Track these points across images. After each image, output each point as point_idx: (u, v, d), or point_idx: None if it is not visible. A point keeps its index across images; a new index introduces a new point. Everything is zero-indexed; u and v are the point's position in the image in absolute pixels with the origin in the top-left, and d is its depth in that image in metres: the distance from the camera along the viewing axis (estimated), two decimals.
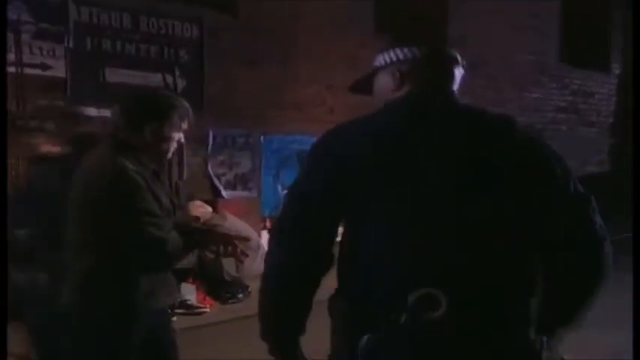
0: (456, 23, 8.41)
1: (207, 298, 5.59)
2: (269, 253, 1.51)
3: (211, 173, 6.53)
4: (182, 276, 5.32)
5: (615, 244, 1.50)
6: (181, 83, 6.26)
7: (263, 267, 1.50)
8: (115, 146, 2.14)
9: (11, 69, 5.04)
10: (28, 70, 5.20)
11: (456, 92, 1.53)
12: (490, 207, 1.33)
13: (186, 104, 2.28)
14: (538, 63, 9.97)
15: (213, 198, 6.41)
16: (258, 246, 5.95)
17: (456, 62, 1.55)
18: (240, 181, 6.76)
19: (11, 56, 5.11)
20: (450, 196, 1.33)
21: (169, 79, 6.06)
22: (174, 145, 2.22)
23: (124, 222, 2.02)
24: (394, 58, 1.56)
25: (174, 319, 5.00)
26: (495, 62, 9.09)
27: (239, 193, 6.74)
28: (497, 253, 1.33)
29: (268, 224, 6.77)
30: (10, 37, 5.14)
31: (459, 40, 7.54)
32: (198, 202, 5.87)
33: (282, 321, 1.52)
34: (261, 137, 6.80)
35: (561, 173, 1.42)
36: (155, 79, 6.03)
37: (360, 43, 7.16)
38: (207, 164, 6.50)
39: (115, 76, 5.79)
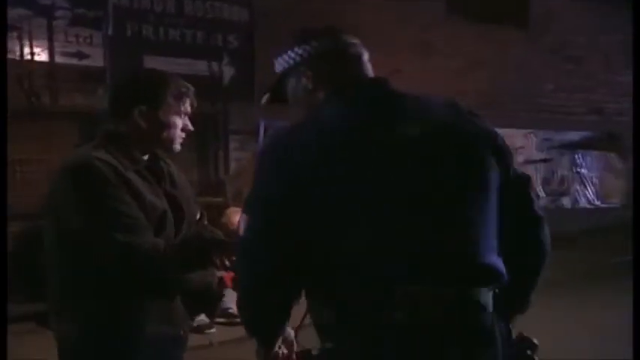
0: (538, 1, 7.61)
1: None
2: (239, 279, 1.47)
3: None
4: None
5: None
6: (229, 71, 5.82)
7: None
8: (102, 139, 1.79)
9: (42, 58, 4.71)
10: (62, 60, 4.85)
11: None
12: (451, 191, 1.36)
13: (185, 83, 1.86)
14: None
15: None
16: None
17: (361, 47, 1.53)
18: None
19: (42, 44, 4.76)
20: (409, 187, 1.34)
21: (215, 67, 5.59)
22: (178, 134, 1.82)
23: (84, 225, 1.66)
24: (296, 59, 1.51)
25: (213, 330, 4.58)
26: (581, 43, 8.23)
27: None
28: (462, 237, 1.36)
29: None
30: (43, 23, 4.81)
31: (544, 18, 6.74)
32: (237, 209, 5.51)
33: (261, 326, 1.52)
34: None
35: (509, 153, 1.48)
36: (200, 66, 5.61)
37: (429, 25, 6.54)
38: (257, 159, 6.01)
39: (156, 64, 5.38)
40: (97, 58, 5.15)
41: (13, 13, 4.74)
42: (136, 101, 1.76)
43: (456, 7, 7.21)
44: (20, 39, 4.74)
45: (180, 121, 1.80)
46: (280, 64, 1.54)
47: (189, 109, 1.83)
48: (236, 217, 5.34)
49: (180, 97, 1.80)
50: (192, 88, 1.84)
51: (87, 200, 1.65)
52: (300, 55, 1.49)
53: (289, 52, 1.51)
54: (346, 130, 1.36)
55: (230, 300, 4.95)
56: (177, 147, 1.82)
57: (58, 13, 4.95)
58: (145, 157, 1.81)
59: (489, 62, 7.90)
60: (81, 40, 5.07)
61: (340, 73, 1.48)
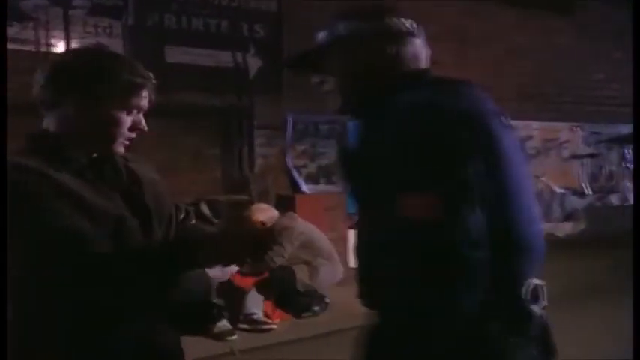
0: None
1: (277, 311, 4.84)
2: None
3: (290, 165, 5.78)
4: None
5: None
6: (255, 63, 5.54)
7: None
8: (30, 139, 1.46)
9: (59, 49, 4.49)
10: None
11: None
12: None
13: (143, 71, 1.52)
14: None
15: (292, 193, 5.66)
16: (330, 254, 5.15)
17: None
18: (323, 174, 6.01)
19: (59, 35, 4.54)
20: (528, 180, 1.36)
21: (240, 58, 5.31)
22: (122, 133, 1.47)
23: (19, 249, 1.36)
24: (394, 29, 1.41)
25: (235, 337, 4.32)
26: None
27: (322, 187, 5.99)
28: None
29: None
30: (60, 12, 4.59)
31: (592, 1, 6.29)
32: (263, 206, 5.23)
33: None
34: (349, 123, 5.93)
35: None
36: (224, 58, 5.34)
37: (466, 12, 6.15)
38: (285, 155, 5.74)
39: (177, 55, 5.14)
40: (116, 50, 4.90)
41: (29, 2, 4.55)
42: (69, 89, 1.43)
43: None
44: (36, 29, 4.53)
45: (127, 118, 1.46)
46: (328, 35, 1.44)
47: (144, 103, 1.49)
48: (260, 214, 5.07)
49: (131, 88, 1.46)
50: (151, 79, 1.50)
51: (18, 219, 1.33)
52: (358, 31, 1.41)
53: (342, 25, 1.43)
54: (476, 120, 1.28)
55: (253, 304, 4.69)
56: (120, 149, 1.49)
57: (76, 2, 4.73)
58: (92, 155, 1.48)
59: (531, 51, 7.48)
60: (100, 30, 4.84)
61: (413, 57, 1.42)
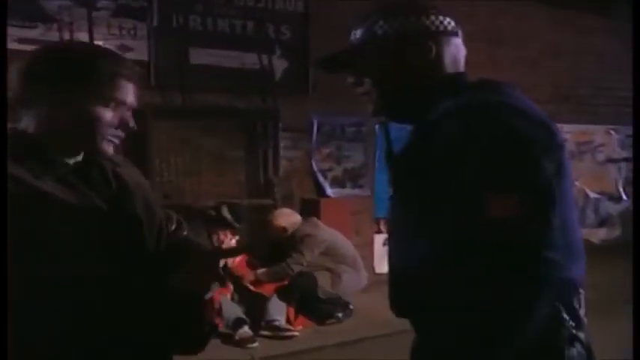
0: None
1: (300, 318, 4.75)
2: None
3: (315, 168, 5.69)
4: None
5: None
6: (281, 64, 5.45)
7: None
8: (10, 141, 1.34)
9: None
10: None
11: None
12: None
13: (128, 62, 1.41)
14: None
15: (317, 197, 5.57)
16: (354, 262, 5.04)
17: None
18: (349, 178, 5.89)
19: (83, 37, 4.51)
20: None
21: (266, 60, 5.23)
22: (105, 131, 1.36)
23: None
24: (433, 27, 1.36)
25: (256, 344, 4.24)
26: None
27: (348, 191, 5.87)
28: None
29: (383, 228, 5.86)
30: (84, 14, 4.57)
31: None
32: (286, 210, 5.15)
33: None
34: (376, 126, 5.80)
35: None
36: (250, 59, 5.26)
37: (497, 12, 5.99)
38: (310, 158, 5.65)
39: (202, 57, 5.08)
40: (141, 52, 4.87)
41: (53, 4, 4.54)
42: (41, 85, 1.31)
43: None
44: (60, 31, 4.51)
45: (108, 114, 1.34)
46: (362, 34, 1.39)
47: (128, 98, 1.37)
48: (282, 219, 4.98)
49: (108, 81, 1.33)
50: (133, 69, 1.38)
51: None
52: (433, 25, 1.35)
53: (378, 23, 1.37)
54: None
55: (276, 311, 4.61)
56: (106, 149, 1.37)
57: (101, 3, 4.70)
58: (77, 158, 1.38)
59: (566, 51, 7.28)
60: (124, 31, 4.81)
61: (452, 59, 1.38)
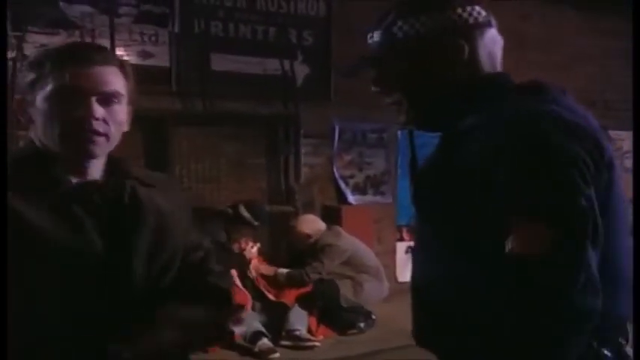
0: None
1: (321, 327, 4.68)
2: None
3: (337, 175, 5.63)
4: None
5: None
6: (303, 70, 5.41)
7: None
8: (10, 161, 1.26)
9: None
10: (124, 59, 4.58)
11: None
12: None
13: (86, 43, 1.35)
14: None
15: (338, 204, 5.50)
16: (377, 271, 4.97)
17: None
18: (371, 185, 5.82)
19: (105, 42, 4.50)
20: None
21: (288, 65, 5.19)
22: (80, 129, 1.23)
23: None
24: (461, 22, 1.17)
25: (277, 355, 4.18)
26: None
27: (370, 198, 5.80)
28: None
29: (405, 235, 5.77)
30: (106, 20, 4.57)
31: None
32: (310, 217, 5.09)
33: None
34: (399, 132, 5.73)
35: None
36: (272, 65, 5.22)
37: (524, 15, 5.88)
38: (332, 165, 5.59)
39: (224, 63, 5.06)
40: (162, 58, 4.86)
41: (75, 10, 4.54)
42: (31, 87, 1.24)
43: None
44: (82, 37, 4.51)
45: (73, 108, 1.20)
46: (380, 41, 1.21)
47: (98, 86, 1.21)
48: (306, 226, 4.88)
49: (69, 70, 1.19)
50: (107, 54, 1.27)
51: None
52: (460, 18, 1.18)
53: (396, 25, 1.19)
54: None
55: (297, 320, 4.54)
56: (88, 149, 1.23)
57: (123, 9, 4.69)
58: (93, 175, 1.27)
59: (595, 55, 7.13)
60: (145, 38, 4.79)
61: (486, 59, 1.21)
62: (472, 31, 1.19)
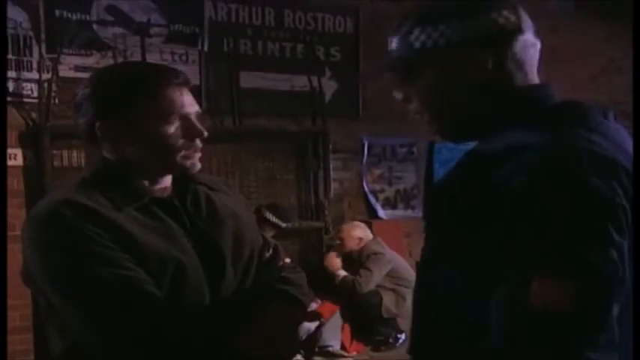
0: None
1: (354, 343, 4.66)
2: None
3: (367, 190, 5.62)
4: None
5: None
6: (331, 86, 5.42)
7: None
8: (90, 171, 1.35)
9: None
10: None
11: None
12: None
13: (165, 68, 1.37)
14: None
15: (369, 219, 5.48)
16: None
17: None
18: (401, 199, 5.80)
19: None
20: None
21: (316, 82, 5.21)
22: (176, 147, 1.29)
23: (58, 299, 1.24)
24: (483, 31, 1.07)
25: None
26: None
27: (400, 212, 5.76)
28: None
29: None
30: (137, 41, 4.66)
31: None
32: (358, 223, 5.06)
33: None
34: (437, 145, 5.70)
35: None
36: (300, 82, 5.25)
37: (553, 28, 5.82)
38: (361, 179, 5.58)
39: (252, 80, 5.11)
40: (192, 76, 4.87)
41: (108, 32, 4.64)
42: (95, 114, 1.28)
43: (586, 6, 6.43)
44: (115, 58, 4.61)
45: (172, 128, 1.25)
46: (398, 46, 1.13)
47: (188, 108, 1.28)
48: (358, 231, 4.79)
49: (165, 94, 1.25)
50: (177, 75, 1.29)
51: (51, 266, 1.22)
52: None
53: (414, 34, 1.09)
54: None
55: (330, 336, 4.53)
56: (185, 164, 1.29)
57: (154, 30, 4.78)
58: (164, 184, 1.33)
59: (624, 67, 7.03)
60: (176, 57, 4.88)
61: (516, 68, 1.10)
62: (496, 39, 1.07)
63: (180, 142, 1.29)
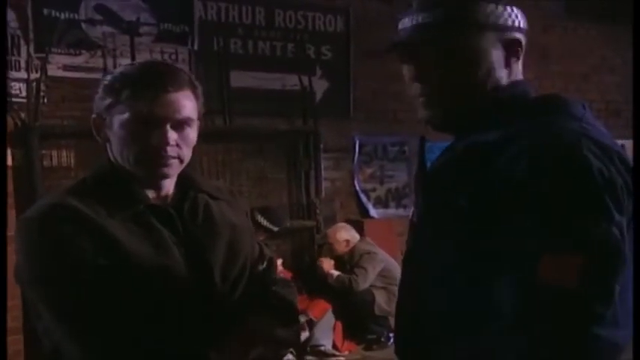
0: None
1: (346, 342, 4.65)
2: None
3: (358, 189, 5.62)
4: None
5: None
6: (322, 85, 5.42)
7: None
8: (91, 175, 1.34)
9: None
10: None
11: None
12: None
13: (174, 73, 1.30)
14: None
15: (360, 218, 5.48)
16: None
17: None
18: (393, 198, 5.80)
19: (126, 61, 4.55)
20: None
21: (307, 81, 5.20)
22: (156, 152, 1.26)
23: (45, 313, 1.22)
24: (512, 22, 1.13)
25: None
26: None
27: (392, 211, 5.76)
28: None
29: None
30: (127, 40, 4.62)
31: None
32: (344, 224, 5.06)
33: None
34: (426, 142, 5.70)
35: None
36: (291, 81, 5.23)
37: (546, 29, 5.85)
38: (353, 178, 5.57)
39: (243, 79, 5.09)
40: None
41: (97, 30, 4.61)
42: (107, 107, 1.27)
43: (577, 6, 6.45)
44: (104, 57, 4.58)
45: (152, 134, 1.22)
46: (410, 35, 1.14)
47: (175, 114, 1.23)
48: (345, 233, 4.80)
49: (152, 96, 1.21)
50: (186, 79, 1.28)
51: (32, 267, 1.21)
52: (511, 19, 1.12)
53: (423, 24, 1.12)
54: None
55: (322, 335, 4.52)
56: (163, 172, 1.27)
57: (143, 29, 4.75)
58: (166, 191, 1.31)
59: (616, 66, 7.06)
60: (166, 56, 4.84)
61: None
62: (488, 32, 1.11)
63: (163, 151, 1.26)
